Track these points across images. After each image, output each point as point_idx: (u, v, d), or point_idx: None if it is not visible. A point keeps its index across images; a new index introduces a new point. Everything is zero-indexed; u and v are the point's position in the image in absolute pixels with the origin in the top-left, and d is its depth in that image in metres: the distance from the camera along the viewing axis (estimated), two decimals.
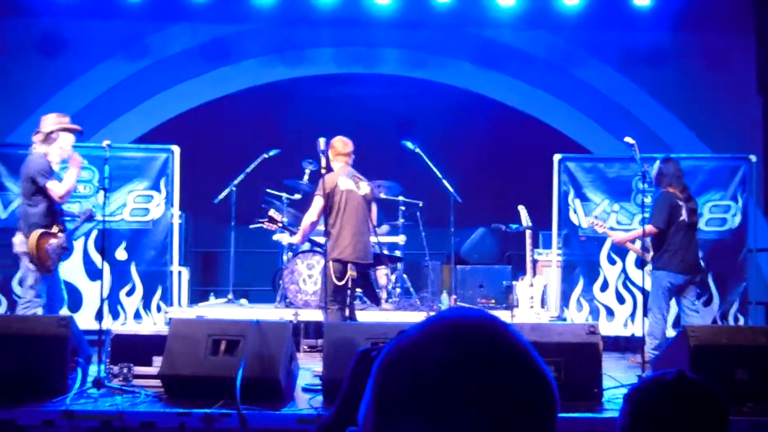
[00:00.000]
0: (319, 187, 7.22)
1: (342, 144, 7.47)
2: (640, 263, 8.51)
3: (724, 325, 9.03)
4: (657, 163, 7.89)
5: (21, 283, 7.38)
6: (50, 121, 7.31)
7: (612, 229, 8.86)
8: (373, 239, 7.61)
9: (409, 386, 1.12)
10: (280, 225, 7.50)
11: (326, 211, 7.14)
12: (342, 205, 7.15)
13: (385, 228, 10.20)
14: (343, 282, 7.05)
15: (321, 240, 7.65)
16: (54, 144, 7.25)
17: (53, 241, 7.10)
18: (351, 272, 7.06)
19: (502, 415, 1.10)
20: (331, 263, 7.09)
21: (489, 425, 1.09)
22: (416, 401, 1.11)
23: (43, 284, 7.07)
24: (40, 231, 7.02)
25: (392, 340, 1.21)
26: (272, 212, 7.57)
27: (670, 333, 7.95)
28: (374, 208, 7.70)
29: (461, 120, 11.88)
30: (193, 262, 11.76)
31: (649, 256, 7.91)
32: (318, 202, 7.17)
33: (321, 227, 7.47)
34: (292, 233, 7.82)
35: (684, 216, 7.73)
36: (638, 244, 8.20)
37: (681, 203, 7.76)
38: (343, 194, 7.18)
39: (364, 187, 7.39)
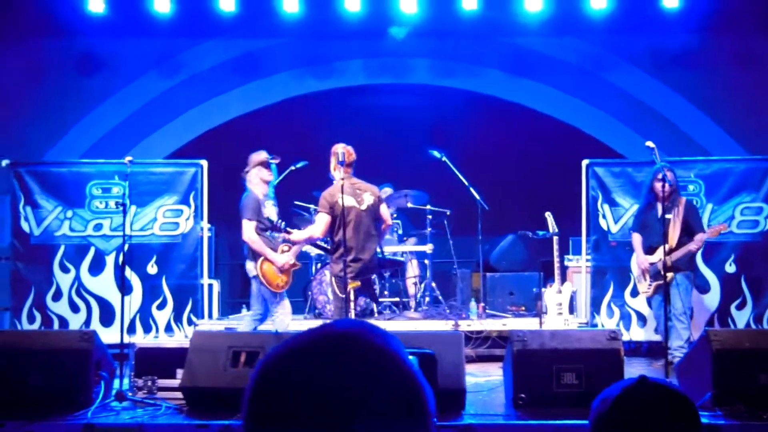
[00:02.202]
0: (321, 204, 7.20)
1: (346, 153, 7.34)
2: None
3: (759, 328, 8.89)
4: (669, 173, 7.68)
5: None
6: (252, 160, 8.03)
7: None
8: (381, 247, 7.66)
9: (276, 397, 1.17)
10: (281, 229, 7.38)
11: (329, 228, 7.18)
12: (344, 222, 7.08)
13: (412, 240, 10.21)
14: (344, 295, 7.06)
15: None
16: (251, 182, 7.90)
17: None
18: (353, 284, 7.03)
19: (369, 418, 1.14)
20: (334, 278, 7.20)
21: (357, 428, 1.13)
22: (281, 410, 1.16)
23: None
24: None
25: (269, 350, 1.25)
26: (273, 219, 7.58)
27: None
28: (384, 208, 7.61)
29: (490, 128, 11.86)
30: (228, 274, 11.90)
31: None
32: (324, 219, 7.12)
33: None
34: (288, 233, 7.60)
35: None
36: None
37: None
38: (344, 212, 7.08)
39: (367, 199, 7.29)
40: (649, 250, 8.03)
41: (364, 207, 7.25)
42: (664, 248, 7.35)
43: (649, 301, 8.22)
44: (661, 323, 7.61)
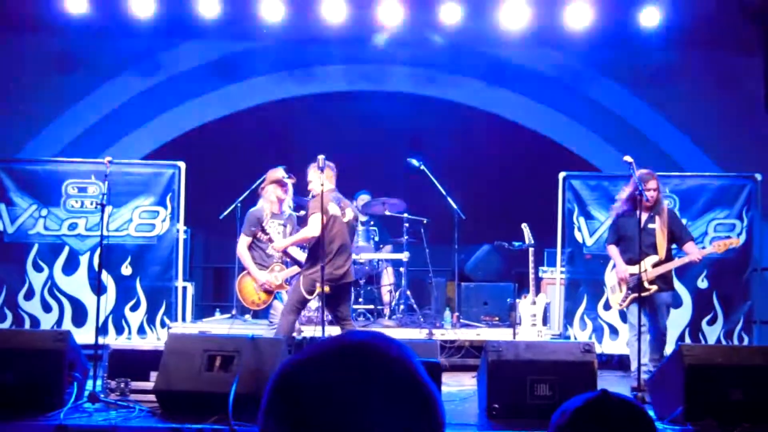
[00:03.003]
0: (315, 206, 7.29)
1: (329, 168, 7.55)
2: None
3: (728, 344, 8.98)
4: (654, 181, 7.62)
5: None
6: (268, 176, 8.16)
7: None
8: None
9: (291, 408, 1.18)
10: (268, 238, 7.59)
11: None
12: (327, 229, 7.31)
13: (387, 248, 10.24)
14: (311, 297, 7.34)
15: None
16: (265, 197, 8.09)
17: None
18: (321, 288, 7.20)
19: (384, 429, 1.15)
20: (302, 278, 7.38)
21: None
22: (298, 423, 1.16)
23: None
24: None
25: (283, 362, 1.26)
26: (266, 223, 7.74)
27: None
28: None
29: (469, 138, 11.91)
30: (201, 277, 11.85)
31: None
32: (319, 219, 7.21)
33: None
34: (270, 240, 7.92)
35: None
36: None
37: None
38: (330, 219, 7.34)
39: (349, 213, 7.51)
40: (630, 261, 7.63)
41: (346, 219, 7.47)
42: (639, 260, 7.32)
43: (622, 313, 7.99)
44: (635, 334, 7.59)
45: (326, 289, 7.18)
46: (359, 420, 1.15)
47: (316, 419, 1.15)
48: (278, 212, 8.02)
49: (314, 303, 9.00)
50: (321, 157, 7.29)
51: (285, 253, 7.88)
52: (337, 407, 1.15)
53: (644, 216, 7.61)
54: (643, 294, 7.37)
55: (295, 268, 7.87)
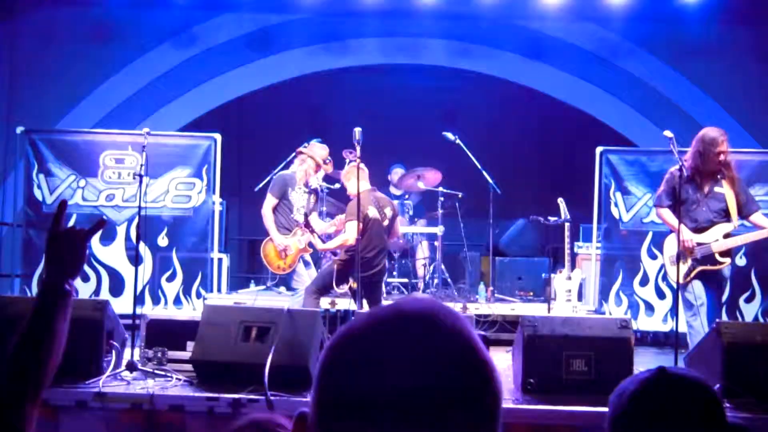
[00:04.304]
0: (351, 212, 7.45)
1: (362, 169, 7.55)
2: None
3: (766, 322, 8.88)
4: (726, 142, 7.12)
5: None
6: (314, 150, 8.40)
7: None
8: None
9: (347, 383, 1.14)
10: (313, 233, 7.75)
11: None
12: (365, 231, 7.47)
13: (422, 222, 10.23)
14: (339, 289, 7.65)
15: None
16: (301, 166, 8.33)
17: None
18: (352, 284, 7.44)
19: (441, 404, 1.11)
20: (336, 265, 7.65)
21: (428, 415, 1.11)
22: (353, 397, 1.13)
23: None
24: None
25: (337, 332, 1.23)
26: (311, 218, 7.86)
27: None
28: (398, 223, 8.21)
29: (505, 112, 11.83)
30: (237, 249, 11.92)
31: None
32: (355, 226, 7.27)
33: None
34: (323, 241, 8.21)
35: None
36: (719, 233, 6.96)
37: None
38: (369, 222, 7.52)
39: (388, 212, 7.70)
40: (694, 230, 6.98)
41: (386, 223, 7.68)
42: (706, 227, 6.95)
43: (682, 288, 7.01)
44: (697, 317, 7.05)
45: (353, 284, 7.36)
46: (414, 393, 1.11)
47: (369, 393, 1.12)
48: (305, 182, 8.21)
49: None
50: (358, 129, 7.25)
51: (307, 226, 8.08)
52: (391, 380, 1.11)
53: (707, 182, 7.08)
54: (712, 267, 6.96)
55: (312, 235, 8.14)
